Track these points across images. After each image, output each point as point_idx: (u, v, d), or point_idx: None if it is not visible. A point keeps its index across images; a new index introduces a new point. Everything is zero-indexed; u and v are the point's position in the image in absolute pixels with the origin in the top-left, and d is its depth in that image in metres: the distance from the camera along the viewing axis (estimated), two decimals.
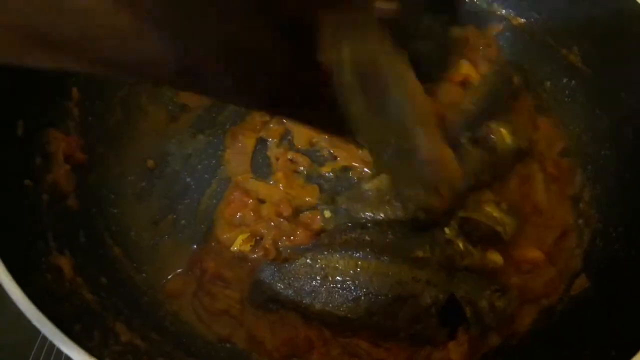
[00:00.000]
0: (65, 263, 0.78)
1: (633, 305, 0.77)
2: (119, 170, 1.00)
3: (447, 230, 0.87)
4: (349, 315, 0.83)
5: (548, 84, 1.08)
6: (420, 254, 0.85)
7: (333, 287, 0.84)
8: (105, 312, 0.78)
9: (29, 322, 0.63)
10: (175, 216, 0.99)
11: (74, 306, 0.74)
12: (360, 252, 0.85)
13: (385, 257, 0.84)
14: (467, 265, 0.86)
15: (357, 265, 0.84)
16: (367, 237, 0.89)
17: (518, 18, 1.10)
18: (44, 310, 0.62)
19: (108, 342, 0.73)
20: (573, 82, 1.04)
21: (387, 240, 0.88)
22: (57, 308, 0.67)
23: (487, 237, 0.89)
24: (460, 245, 0.87)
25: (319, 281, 0.85)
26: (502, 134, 0.94)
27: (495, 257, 0.89)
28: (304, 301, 0.85)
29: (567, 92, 1.05)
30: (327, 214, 0.95)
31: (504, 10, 1.12)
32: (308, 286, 0.85)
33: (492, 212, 0.90)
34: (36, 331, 0.63)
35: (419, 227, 0.87)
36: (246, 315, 0.87)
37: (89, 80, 0.95)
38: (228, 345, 0.87)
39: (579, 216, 0.96)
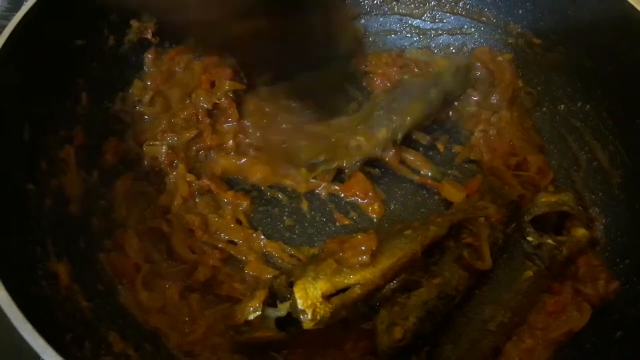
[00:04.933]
0: (62, 269, 0.78)
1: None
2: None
3: (529, 238, 0.88)
4: None
5: (562, 106, 1.06)
6: (529, 273, 0.86)
7: None
8: (99, 320, 0.77)
9: None
10: None
11: (67, 314, 0.73)
12: None
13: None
14: (567, 255, 0.87)
15: None
16: None
17: (535, 39, 1.08)
18: (31, 318, 0.61)
19: (99, 352, 0.73)
20: (588, 106, 1.02)
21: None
22: (48, 316, 0.67)
23: (559, 222, 0.92)
24: (550, 241, 0.87)
25: None
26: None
27: (580, 231, 0.90)
28: None
29: (580, 116, 1.03)
30: None
31: (519, 29, 1.10)
32: None
33: (547, 199, 0.91)
34: None
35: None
36: None
37: (97, 85, 0.96)
38: None
39: None
